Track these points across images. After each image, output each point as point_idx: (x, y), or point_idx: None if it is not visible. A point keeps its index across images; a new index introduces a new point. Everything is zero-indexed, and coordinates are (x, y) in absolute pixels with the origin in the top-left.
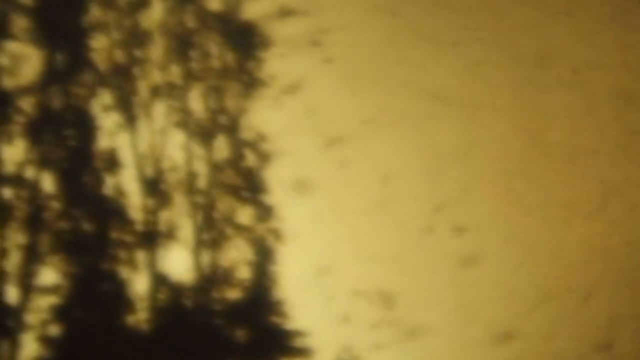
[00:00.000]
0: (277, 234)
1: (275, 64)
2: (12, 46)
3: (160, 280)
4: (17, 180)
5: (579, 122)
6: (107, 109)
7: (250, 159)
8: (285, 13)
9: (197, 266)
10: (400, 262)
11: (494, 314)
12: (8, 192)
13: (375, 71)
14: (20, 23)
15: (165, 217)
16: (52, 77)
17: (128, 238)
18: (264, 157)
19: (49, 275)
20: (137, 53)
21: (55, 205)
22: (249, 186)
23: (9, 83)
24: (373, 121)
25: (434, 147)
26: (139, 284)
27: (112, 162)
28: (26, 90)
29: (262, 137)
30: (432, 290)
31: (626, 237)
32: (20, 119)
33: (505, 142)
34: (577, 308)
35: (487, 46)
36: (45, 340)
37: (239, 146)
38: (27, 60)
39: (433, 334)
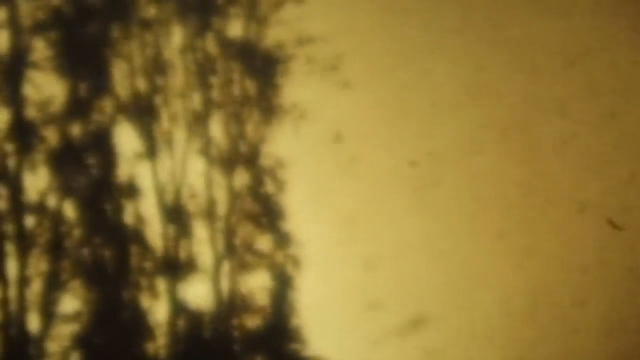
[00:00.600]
0: (295, 260)
1: (294, 91)
2: (35, 76)
3: (180, 307)
4: (39, 209)
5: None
6: (127, 137)
7: (269, 186)
8: (303, 40)
9: (217, 293)
10: (432, 297)
11: None
12: (31, 221)
13: (395, 94)
14: (43, 53)
15: (185, 244)
16: (74, 105)
17: (148, 265)
18: (282, 184)
19: (69, 302)
20: (158, 81)
21: (76, 233)
22: (268, 213)
23: (32, 113)
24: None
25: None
26: (159, 312)
27: (132, 190)
28: (49, 120)
29: (280, 164)
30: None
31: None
32: (43, 148)
33: None
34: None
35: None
36: None
37: (258, 173)
38: (49, 90)
39: None
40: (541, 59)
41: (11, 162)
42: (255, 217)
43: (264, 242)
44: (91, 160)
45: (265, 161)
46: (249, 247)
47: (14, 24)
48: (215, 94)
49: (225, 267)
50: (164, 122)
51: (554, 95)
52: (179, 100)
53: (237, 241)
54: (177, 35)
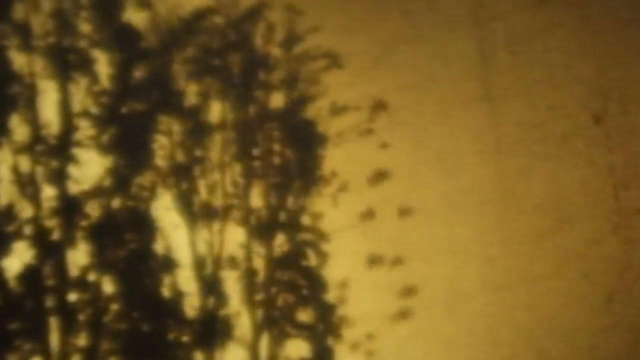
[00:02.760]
0: (336, 333)
1: (333, 159)
2: (77, 152)
3: None
4: (80, 284)
5: None
6: (166, 209)
7: (309, 257)
8: (339, 110)
9: None
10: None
11: None
12: (72, 296)
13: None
14: (85, 131)
15: (223, 316)
16: (114, 180)
17: (186, 339)
18: (323, 255)
19: None
20: (197, 152)
21: (115, 307)
22: (308, 284)
23: (74, 189)
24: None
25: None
26: None
27: (171, 263)
28: (89, 195)
29: (321, 235)
30: None
31: None
32: (84, 223)
33: None
34: None
35: None
36: None
37: (298, 244)
38: (90, 166)
39: None
40: None
41: (54, 238)
42: (296, 288)
43: (305, 314)
44: (130, 234)
45: (306, 232)
46: (289, 318)
47: (62, 106)
48: (256, 164)
49: (265, 338)
50: (203, 193)
51: None
52: (218, 172)
53: (277, 312)
54: (217, 108)
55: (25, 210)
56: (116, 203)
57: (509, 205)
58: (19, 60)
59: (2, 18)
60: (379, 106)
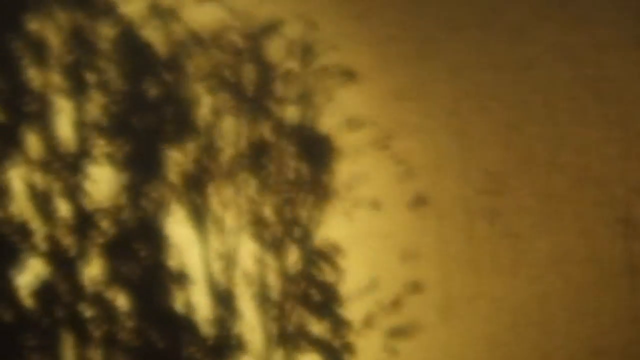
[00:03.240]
0: (350, 348)
1: (346, 174)
2: (93, 169)
3: None
4: (94, 299)
5: None
6: (179, 223)
7: (322, 270)
8: (355, 124)
9: None
10: None
11: None
12: (86, 310)
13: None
14: (101, 149)
15: (236, 330)
16: (127, 196)
17: (198, 354)
18: (337, 269)
19: None
20: (210, 166)
21: (128, 321)
22: (322, 298)
23: (89, 204)
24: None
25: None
26: None
27: (183, 277)
28: (103, 211)
29: (334, 249)
30: None
31: None
32: (98, 239)
33: None
34: None
35: None
36: None
37: (311, 257)
38: (105, 182)
39: None
40: None
41: (69, 253)
42: (309, 302)
43: (318, 328)
44: (144, 249)
45: (319, 246)
46: (302, 332)
47: (78, 124)
48: (269, 177)
49: (279, 353)
50: (216, 207)
51: None
52: (231, 185)
53: (291, 326)
54: (230, 122)
55: (40, 226)
56: (130, 218)
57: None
58: (34, 76)
59: (18, 33)
60: (394, 121)
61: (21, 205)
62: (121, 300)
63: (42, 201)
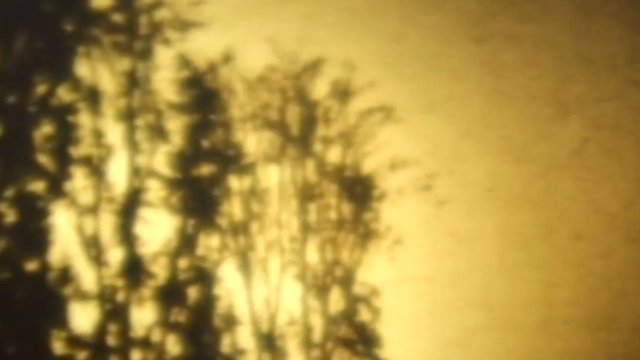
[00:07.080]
0: None
1: (389, 214)
2: (148, 213)
3: None
4: (144, 343)
5: None
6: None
7: (364, 313)
8: (397, 164)
9: None
10: None
11: None
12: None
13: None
14: (157, 194)
15: None
16: (180, 241)
17: None
18: (377, 312)
19: None
20: (257, 209)
21: None
22: (363, 340)
23: (142, 249)
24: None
25: None
26: None
27: (230, 320)
28: (156, 256)
29: (375, 291)
30: None
31: None
32: (151, 283)
33: None
34: None
35: None
36: None
37: (353, 300)
38: (159, 226)
39: None
40: None
41: (121, 297)
42: (351, 344)
43: None
44: (194, 293)
45: (360, 288)
46: None
47: (132, 168)
48: (312, 219)
49: None
50: (261, 250)
51: None
52: (275, 228)
53: None
54: (276, 167)
55: (91, 271)
56: (183, 263)
57: None
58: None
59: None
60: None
61: (71, 251)
62: (170, 343)
63: (92, 245)
